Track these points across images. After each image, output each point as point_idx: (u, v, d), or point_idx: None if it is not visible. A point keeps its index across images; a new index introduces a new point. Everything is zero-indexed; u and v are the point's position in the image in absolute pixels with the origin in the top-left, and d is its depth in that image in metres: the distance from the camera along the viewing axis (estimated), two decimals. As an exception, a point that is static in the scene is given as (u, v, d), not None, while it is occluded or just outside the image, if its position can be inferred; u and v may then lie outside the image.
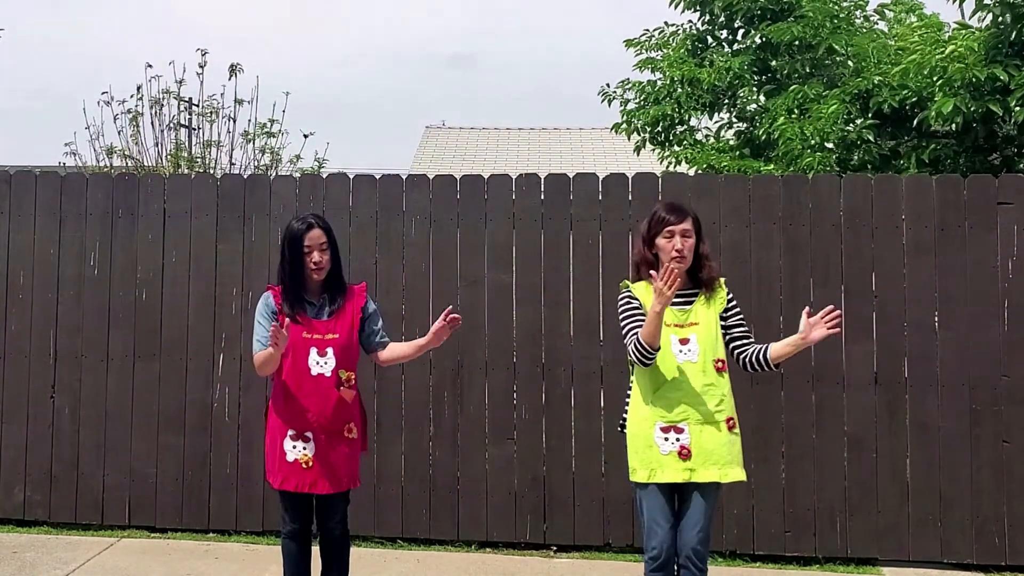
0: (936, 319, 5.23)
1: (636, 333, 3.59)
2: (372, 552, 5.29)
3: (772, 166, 8.43)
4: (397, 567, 5.10)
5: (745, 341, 3.75)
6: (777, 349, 3.69)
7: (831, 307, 3.65)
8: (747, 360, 3.72)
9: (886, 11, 10.54)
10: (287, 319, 3.82)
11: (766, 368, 3.70)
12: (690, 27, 10.20)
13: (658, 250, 3.69)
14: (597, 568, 5.15)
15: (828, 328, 3.61)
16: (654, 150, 10.21)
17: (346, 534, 4.00)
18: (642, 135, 9.99)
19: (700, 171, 8.82)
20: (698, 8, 9.78)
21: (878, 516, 5.18)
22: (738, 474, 3.65)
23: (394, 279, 5.57)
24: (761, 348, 3.70)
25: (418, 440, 5.49)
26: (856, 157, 8.05)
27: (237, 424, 5.59)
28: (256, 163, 11.77)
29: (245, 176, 6.88)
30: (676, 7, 9.77)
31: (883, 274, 5.28)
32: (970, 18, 7.42)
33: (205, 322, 5.65)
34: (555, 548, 5.38)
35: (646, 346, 3.53)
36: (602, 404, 5.36)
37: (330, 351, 3.81)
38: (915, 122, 7.65)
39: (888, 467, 5.19)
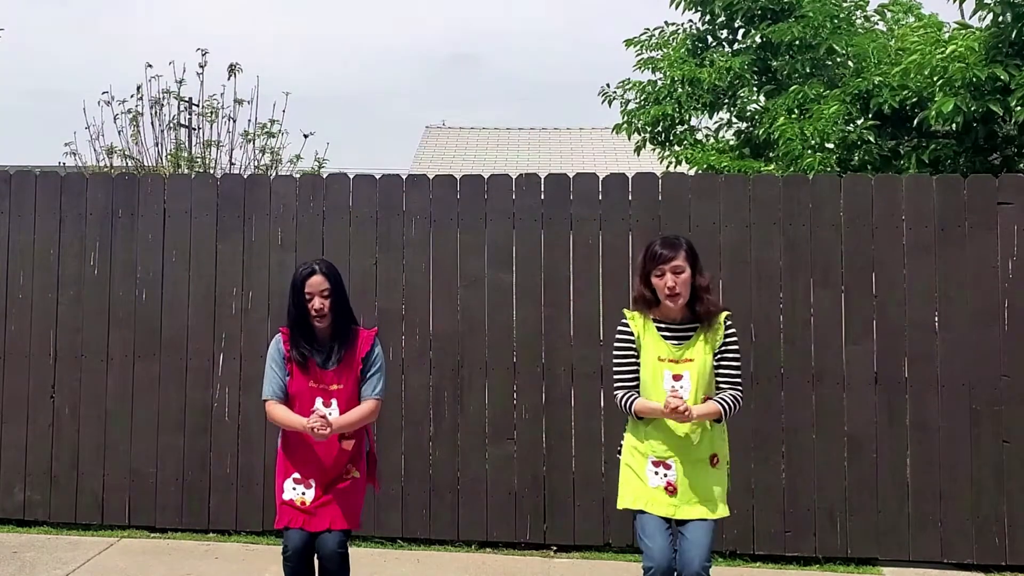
0: (936, 319, 5.23)
1: (630, 399, 3.68)
2: (372, 552, 5.29)
3: (772, 166, 8.43)
4: (397, 567, 5.10)
5: (726, 385, 3.68)
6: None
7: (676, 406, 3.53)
8: None
9: (886, 11, 10.54)
10: (297, 366, 3.82)
11: None
12: (690, 27, 10.20)
13: (654, 287, 3.67)
14: (597, 568, 5.14)
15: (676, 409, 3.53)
16: (654, 150, 10.21)
17: (345, 560, 3.90)
18: (642, 135, 9.99)
19: (700, 171, 8.81)
20: (698, 8, 9.77)
21: (878, 516, 5.18)
22: (722, 511, 3.66)
23: (394, 279, 5.57)
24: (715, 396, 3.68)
25: (418, 440, 5.49)
26: (856, 157, 8.04)
27: (237, 424, 5.59)
28: (256, 163, 11.77)
29: (245, 176, 6.89)
30: (676, 7, 9.77)
31: (883, 274, 5.28)
32: (970, 18, 7.42)
33: (205, 322, 5.65)
34: (555, 548, 5.38)
35: (635, 415, 3.68)
36: (602, 404, 5.36)
37: (335, 402, 3.80)
38: (915, 122, 7.65)
39: (888, 467, 5.19)
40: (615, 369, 3.75)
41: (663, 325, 3.69)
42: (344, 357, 3.83)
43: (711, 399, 3.65)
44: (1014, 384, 5.15)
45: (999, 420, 5.15)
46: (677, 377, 3.63)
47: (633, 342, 3.71)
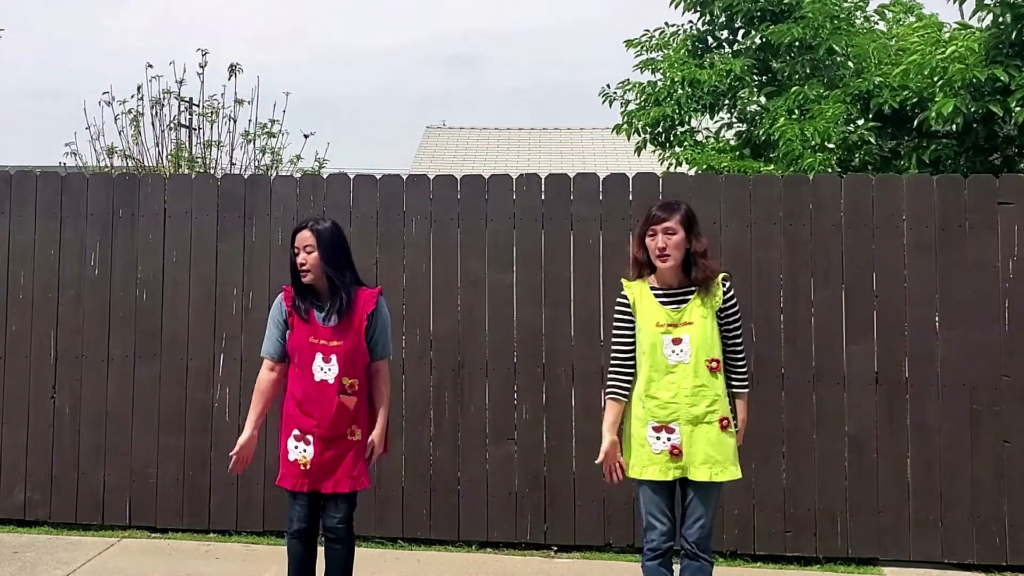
0: (936, 319, 5.23)
1: (607, 394, 3.79)
2: (372, 552, 5.29)
3: (772, 167, 8.42)
4: (397, 567, 5.10)
5: (733, 363, 3.77)
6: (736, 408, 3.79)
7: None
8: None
9: (886, 12, 10.53)
10: (299, 318, 3.89)
11: None
12: (690, 28, 10.19)
13: (648, 249, 3.72)
14: (597, 568, 5.14)
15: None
16: (655, 150, 10.20)
17: (351, 535, 4.01)
18: (643, 136, 9.97)
19: (700, 171, 8.81)
20: (698, 9, 9.76)
21: (878, 516, 5.18)
22: (732, 473, 3.67)
23: (394, 279, 5.56)
24: (733, 388, 3.78)
25: (418, 440, 5.49)
26: (857, 158, 8.05)
27: (237, 424, 5.56)
28: (256, 163, 11.78)
29: (245, 176, 6.89)
30: (676, 7, 9.76)
31: (884, 274, 5.28)
32: (970, 18, 7.42)
33: (205, 322, 5.65)
34: (555, 548, 5.38)
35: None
36: (602, 404, 5.33)
37: (334, 358, 3.83)
38: (916, 123, 7.65)
39: (888, 467, 5.19)
40: (612, 350, 3.81)
41: (660, 291, 3.73)
42: (345, 314, 3.87)
43: (734, 392, 3.77)
44: (1014, 384, 5.15)
45: (999, 420, 5.15)
46: (676, 341, 3.65)
47: (631, 317, 3.73)
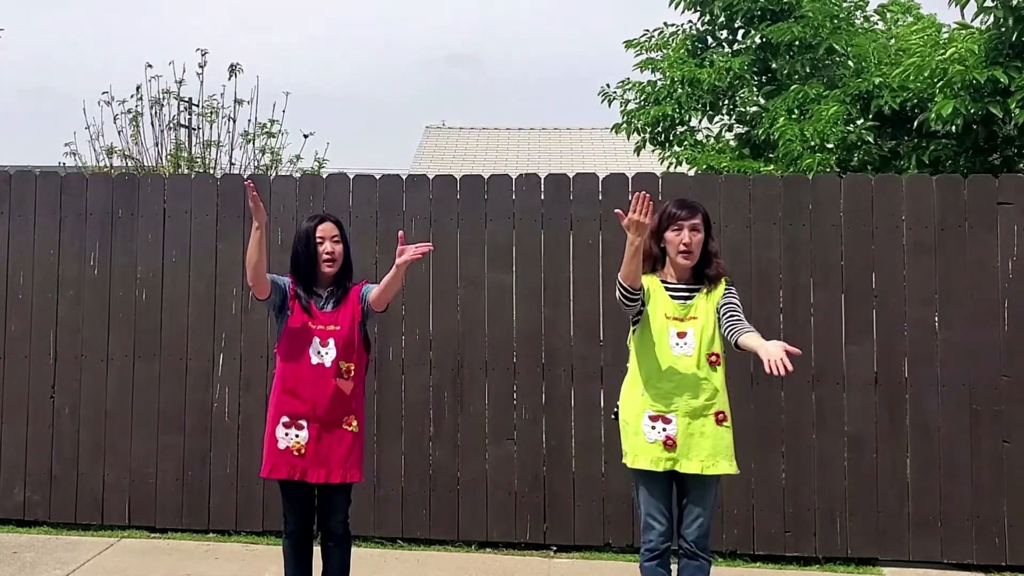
0: (936, 319, 5.23)
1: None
2: (372, 552, 5.29)
3: (772, 167, 8.43)
4: (397, 567, 5.10)
5: (732, 322, 3.65)
6: (746, 341, 3.56)
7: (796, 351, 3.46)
8: (728, 336, 3.66)
9: (886, 12, 10.54)
10: (299, 304, 3.89)
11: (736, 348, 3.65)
12: (690, 27, 10.20)
13: (666, 243, 3.74)
14: (597, 568, 5.14)
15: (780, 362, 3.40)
16: (654, 150, 10.21)
17: (347, 535, 4.02)
18: (642, 135, 9.98)
19: (700, 171, 8.81)
20: (698, 8, 9.77)
21: (878, 516, 5.18)
22: (725, 467, 3.67)
23: (394, 279, 5.56)
24: (738, 331, 3.61)
25: (418, 440, 5.49)
26: (856, 158, 8.05)
27: (237, 424, 5.59)
28: (256, 163, 11.79)
29: (245, 176, 6.89)
30: (676, 7, 9.77)
31: (883, 274, 5.28)
32: (972, 20, 7.42)
33: (205, 322, 5.65)
34: (555, 548, 5.38)
35: (623, 284, 3.59)
36: (602, 404, 5.36)
37: (331, 341, 3.86)
38: (915, 123, 7.65)
39: (888, 467, 5.20)
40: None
41: (670, 285, 3.76)
42: (342, 301, 3.93)
43: (746, 333, 3.59)
44: (1014, 384, 5.15)
45: (999, 420, 5.15)
46: (681, 335, 3.67)
47: (643, 289, 3.69)
